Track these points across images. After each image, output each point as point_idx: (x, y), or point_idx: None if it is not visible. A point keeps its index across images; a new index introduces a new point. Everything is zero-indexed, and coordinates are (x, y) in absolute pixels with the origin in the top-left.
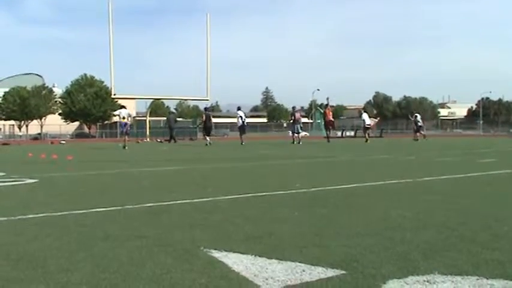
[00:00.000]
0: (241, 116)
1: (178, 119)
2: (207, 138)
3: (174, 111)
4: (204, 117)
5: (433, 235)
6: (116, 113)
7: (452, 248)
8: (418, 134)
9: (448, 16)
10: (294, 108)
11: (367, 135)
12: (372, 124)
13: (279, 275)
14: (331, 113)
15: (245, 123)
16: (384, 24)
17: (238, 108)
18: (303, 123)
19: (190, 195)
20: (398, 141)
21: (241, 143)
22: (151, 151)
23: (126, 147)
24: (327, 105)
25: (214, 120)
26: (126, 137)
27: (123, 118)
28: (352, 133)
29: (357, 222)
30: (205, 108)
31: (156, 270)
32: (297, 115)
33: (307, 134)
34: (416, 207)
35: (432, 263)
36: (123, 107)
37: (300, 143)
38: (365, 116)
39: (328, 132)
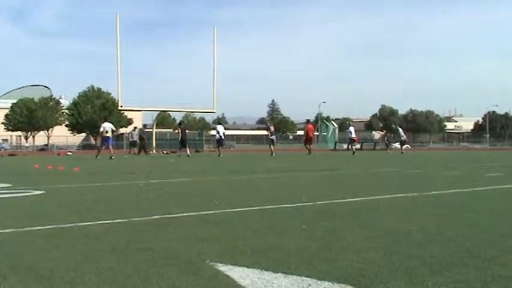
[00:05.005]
0: (218, 131)
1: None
2: (187, 150)
3: (143, 125)
4: (180, 131)
5: (440, 250)
6: (101, 129)
7: (459, 263)
8: (388, 148)
9: (456, 29)
10: (267, 123)
11: (351, 147)
12: (356, 137)
13: None
14: (313, 130)
15: (222, 138)
16: (390, 37)
17: (218, 123)
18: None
19: (196, 207)
20: (403, 154)
21: (219, 155)
22: (157, 163)
23: (108, 157)
24: (308, 120)
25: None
26: (109, 147)
27: (106, 132)
28: (358, 146)
29: (364, 236)
30: (180, 123)
31: (161, 283)
32: (272, 129)
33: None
34: (423, 222)
35: (439, 278)
36: (106, 120)
37: (273, 154)
38: (351, 129)
39: (308, 146)
